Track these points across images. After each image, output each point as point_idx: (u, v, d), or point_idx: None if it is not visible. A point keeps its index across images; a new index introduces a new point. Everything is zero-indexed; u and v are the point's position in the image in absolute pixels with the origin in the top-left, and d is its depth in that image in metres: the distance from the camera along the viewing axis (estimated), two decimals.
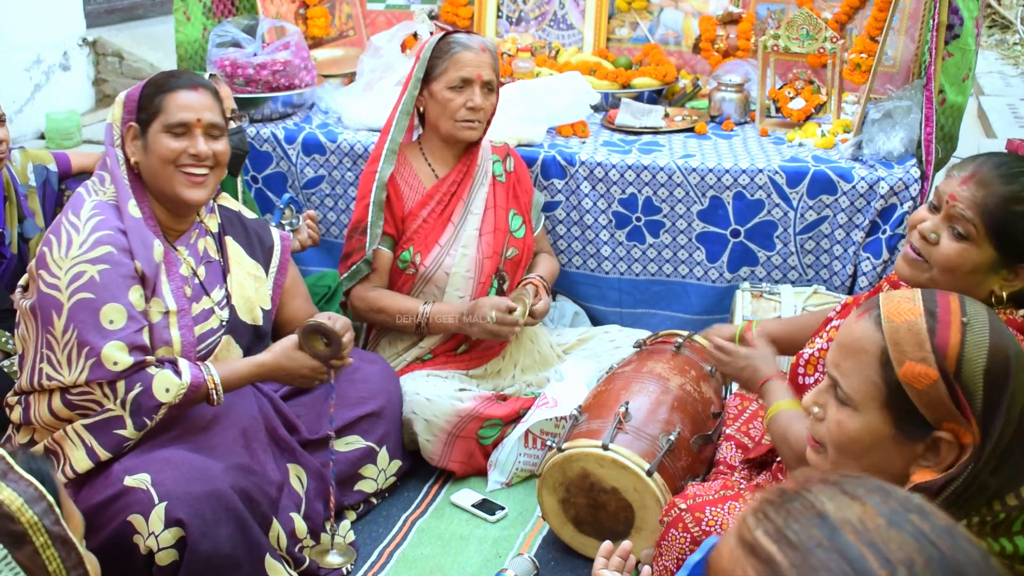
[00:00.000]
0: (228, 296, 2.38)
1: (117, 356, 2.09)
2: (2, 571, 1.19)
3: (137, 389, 2.10)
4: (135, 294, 2.15)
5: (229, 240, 2.44)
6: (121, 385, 2.10)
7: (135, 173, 2.24)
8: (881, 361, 1.28)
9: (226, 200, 2.53)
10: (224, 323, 2.35)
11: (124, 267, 2.13)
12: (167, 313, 2.22)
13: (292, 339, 2.33)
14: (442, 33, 2.88)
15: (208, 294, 2.33)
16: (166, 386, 2.12)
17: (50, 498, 1.25)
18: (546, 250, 3.20)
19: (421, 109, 2.92)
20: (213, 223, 2.42)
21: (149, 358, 2.14)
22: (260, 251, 2.51)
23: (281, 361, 2.31)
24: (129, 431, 2.12)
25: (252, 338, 2.43)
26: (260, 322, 2.44)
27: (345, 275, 2.91)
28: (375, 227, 2.86)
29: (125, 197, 2.20)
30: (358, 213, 2.89)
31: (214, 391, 2.20)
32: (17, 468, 1.26)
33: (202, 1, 3.61)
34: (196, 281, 2.31)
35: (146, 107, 2.21)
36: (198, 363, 2.23)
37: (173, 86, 2.22)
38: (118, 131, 2.24)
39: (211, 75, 2.82)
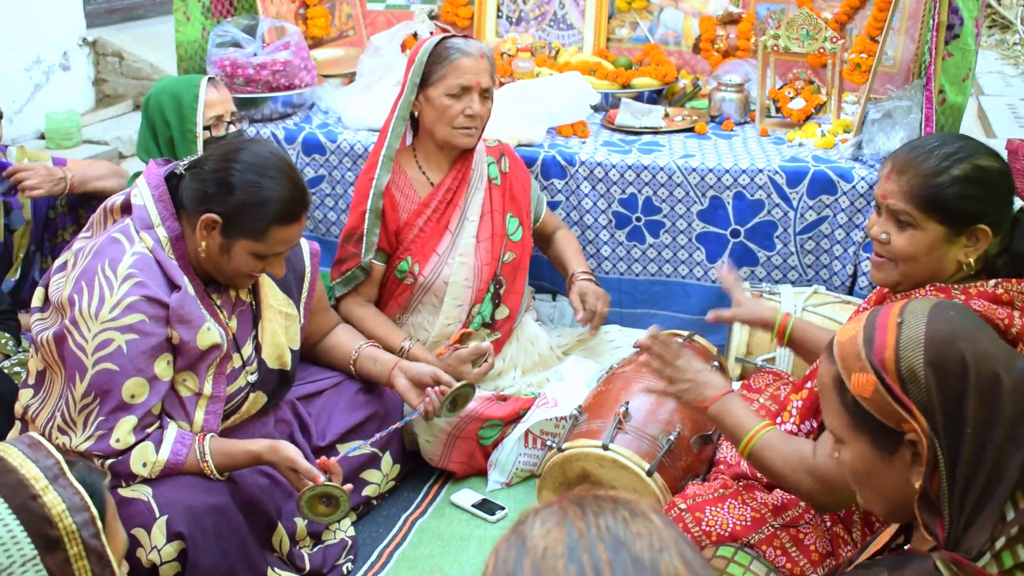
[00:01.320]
0: (258, 348, 2.30)
1: (122, 434, 2.04)
2: (27, 571, 1.19)
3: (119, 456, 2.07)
4: (162, 363, 2.07)
5: (262, 277, 2.30)
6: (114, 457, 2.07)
7: (198, 252, 2.11)
8: (838, 387, 1.32)
9: None
10: (250, 383, 2.28)
11: (154, 337, 2.04)
12: (199, 395, 2.16)
13: (287, 458, 2.16)
14: (438, 37, 2.85)
15: (239, 350, 2.24)
16: (143, 460, 2.07)
17: (94, 511, 1.25)
18: (560, 225, 3.22)
19: (416, 114, 2.88)
20: None
21: (149, 431, 2.09)
22: (293, 281, 2.40)
23: (270, 456, 2.17)
24: (105, 482, 2.06)
25: (278, 384, 2.37)
26: (288, 366, 2.36)
27: (338, 280, 2.87)
28: (371, 235, 2.83)
29: (178, 274, 2.09)
30: (353, 220, 2.86)
31: (211, 473, 2.13)
32: (69, 475, 1.26)
33: (202, 1, 3.61)
34: (230, 337, 2.21)
35: (242, 219, 2.06)
36: (195, 441, 2.13)
37: (278, 218, 2.06)
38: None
39: (210, 77, 2.81)
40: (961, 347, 1.24)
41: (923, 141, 1.88)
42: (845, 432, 1.32)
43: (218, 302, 2.20)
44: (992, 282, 1.79)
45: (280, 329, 2.34)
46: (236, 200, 2.05)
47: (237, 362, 2.23)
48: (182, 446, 2.10)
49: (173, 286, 2.08)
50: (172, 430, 2.11)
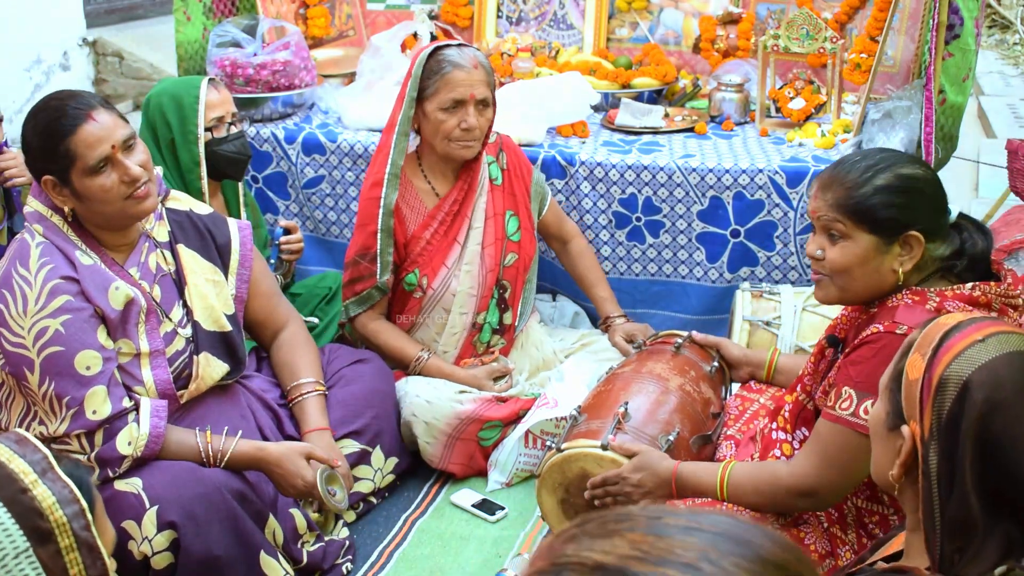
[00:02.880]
0: (189, 312, 2.31)
1: (96, 405, 2.06)
2: (20, 563, 1.20)
3: (106, 441, 2.08)
4: (102, 334, 2.11)
5: (181, 248, 2.34)
6: (99, 436, 2.08)
7: (67, 217, 2.15)
8: (904, 351, 1.36)
9: (175, 200, 2.42)
10: (189, 341, 2.29)
11: (85, 311, 2.09)
12: (139, 355, 2.18)
13: (304, 446, 2.29)
14: (431, 47, 2.78)
15: (168, 315, 2.26)
16: (128, 439, 2.10)
17: (83, 503, 1.27)
18: (575, 234, 3.16)
19: (416, 127, 2.85)
20: (162, 232, 2.33)
21: (127, 404, 2.11)
22: (216, 250, 2.41)
23: (282, 460, 2.23)
24: (92, 478, 2.07)
25: (227, 348, 2.37)
26: (229, 328, 2.36)
27: (353, 300, 2.87)
28: (385, 255, 2.80)
29: (71, 247, 2.13)
30: (362, 240, 2.83)
31: (211, 456, 2.17)
32: (57, 469, 1.28)
33: (202, 1, 3.61)
34: (155, 304, 2.24)
35: (53, 159, 2.08)
36: (200, 433, 2.21)
37: (68, 128, 2.07)
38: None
39: (211, 78, 2.81)
40: (998, 397, 1.22)
41: (845, 158, 1.92)
42: (882, 391, 1.38)
43: (137, 275, 2.22)
44: (969, 284, 1.80)
45: (209, 293, 2.35)
46: (39, 147, 2.10)
47: (168, 326, 2.26)
48: (159, 420, 2.14)
49: (73, 265, 2.12)
50: (146, 403, 2.15)
